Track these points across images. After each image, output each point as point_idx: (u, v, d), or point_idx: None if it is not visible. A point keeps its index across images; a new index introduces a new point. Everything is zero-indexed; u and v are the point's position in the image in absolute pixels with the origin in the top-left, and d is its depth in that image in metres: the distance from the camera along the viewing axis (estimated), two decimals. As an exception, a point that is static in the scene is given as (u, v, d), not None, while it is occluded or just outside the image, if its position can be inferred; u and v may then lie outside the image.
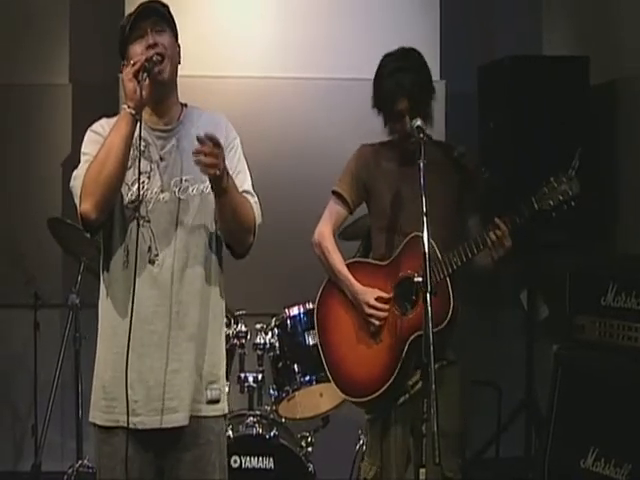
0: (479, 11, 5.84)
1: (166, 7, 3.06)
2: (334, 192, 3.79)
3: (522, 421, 5.24)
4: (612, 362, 4.02)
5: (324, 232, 3.77)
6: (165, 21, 3.03)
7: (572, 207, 3.38)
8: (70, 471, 4.83)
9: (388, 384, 3.56)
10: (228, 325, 4.21)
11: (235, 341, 4.24)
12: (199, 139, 2.83)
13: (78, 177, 2.95)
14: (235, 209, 2.99)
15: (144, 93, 2.89)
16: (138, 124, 2.92)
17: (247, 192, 3.12)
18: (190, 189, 3.02)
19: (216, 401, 3.08)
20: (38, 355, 5.18)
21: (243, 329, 4.26)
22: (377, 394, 3.59)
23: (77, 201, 2.93)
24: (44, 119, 5.65)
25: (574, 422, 4.15)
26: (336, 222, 3.80)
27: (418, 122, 3.42)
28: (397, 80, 3.57)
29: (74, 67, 5.68)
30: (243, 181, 3.12)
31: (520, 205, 3.43)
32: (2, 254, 5.50)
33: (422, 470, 3.06)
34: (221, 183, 2.89)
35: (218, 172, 2.86)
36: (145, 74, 2.90)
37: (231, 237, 3.08)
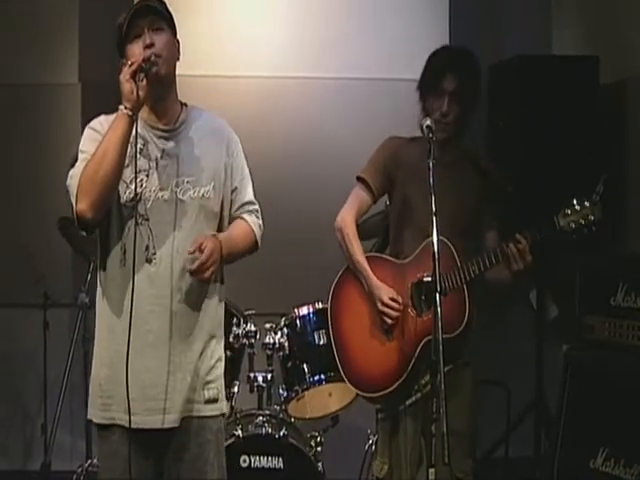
0: (488, 10, 5.82)
1: (163, 4, 3.04)
2: (359, 178, 3.79)
3: (531, 421, 5.24)
4: (622, 362, 4.01)
5: (346, 218, 3.76)
6: (163, 19, 3.01)
7: (593, 232, 3.39)
8: (79, 470, 4.83)
9: (399, 383, 3.57)
10: (237, 325, 4.22)
11: (244, 341, 4.23)
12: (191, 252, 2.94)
13: (74, 176, 2.96)
14: (236, 254, 3.12)
15: (141, 94, 2.89)
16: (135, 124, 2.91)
17: (249, 203, 3.19)
18: (191, 191, 3.03)
19: (214, 400, 3.09)
20: (48, 354, 5.19)
21: (252, 329, 4.25)
22: (387, 391, 3.59)
23: (73, 200, 2.94)
24: (54, 119, 5.64)
25: (584, 422, 4.14)
26: (359, 209, 3.79)
27: (428, 122, 3.41)
28: (450, 60, 3.66)
29: (83, 66, 5.66)
30: (246, 190, 3.18)
31: (542, 223, 3.45)
32: (12, 254, 5.50)
33: (432, 470, 3.05)
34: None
35: (214, 275, 2.99)
36: (142, 74, 2.89)
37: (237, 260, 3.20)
